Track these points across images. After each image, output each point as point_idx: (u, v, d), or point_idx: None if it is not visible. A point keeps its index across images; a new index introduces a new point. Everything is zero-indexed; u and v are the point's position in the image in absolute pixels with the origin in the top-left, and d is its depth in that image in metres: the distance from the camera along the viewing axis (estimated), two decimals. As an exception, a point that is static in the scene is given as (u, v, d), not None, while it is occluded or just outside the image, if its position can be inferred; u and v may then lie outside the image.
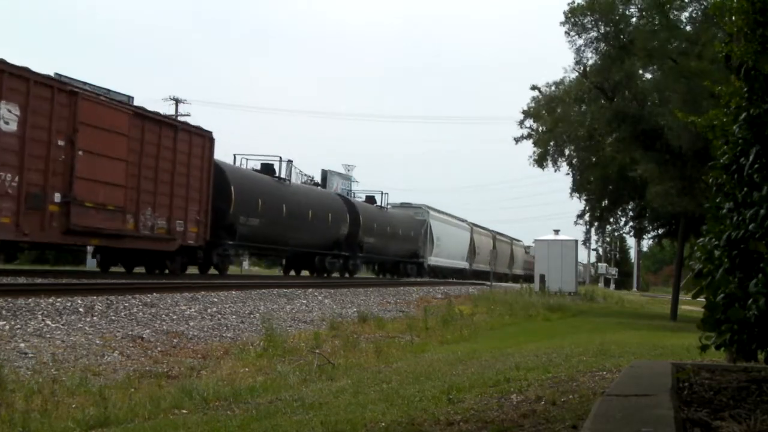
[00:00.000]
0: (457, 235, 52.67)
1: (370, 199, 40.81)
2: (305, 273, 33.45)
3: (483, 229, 60.96)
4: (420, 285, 31.95)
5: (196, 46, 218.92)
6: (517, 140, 29.24)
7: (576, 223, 33.39)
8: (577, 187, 29.96)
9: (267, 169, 29.48)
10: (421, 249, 44.22)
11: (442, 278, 45.99)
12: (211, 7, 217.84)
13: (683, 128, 18.39)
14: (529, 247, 75.87)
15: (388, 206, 42.51)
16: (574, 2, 23.00)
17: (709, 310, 4.05)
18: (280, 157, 30.33)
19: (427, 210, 47.32)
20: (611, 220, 33.04)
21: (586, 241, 73.21)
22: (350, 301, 19.92)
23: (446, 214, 52.00)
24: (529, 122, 29.21)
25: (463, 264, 54.24)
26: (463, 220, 56.13)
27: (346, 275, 34.80)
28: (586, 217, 32.17)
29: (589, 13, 22.84)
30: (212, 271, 24.97)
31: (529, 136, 29.25)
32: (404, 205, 46.70)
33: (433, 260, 46.99)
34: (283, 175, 29.95)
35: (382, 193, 42.09)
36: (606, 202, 30.23)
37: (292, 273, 33.74)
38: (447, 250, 49.67)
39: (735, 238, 4.12)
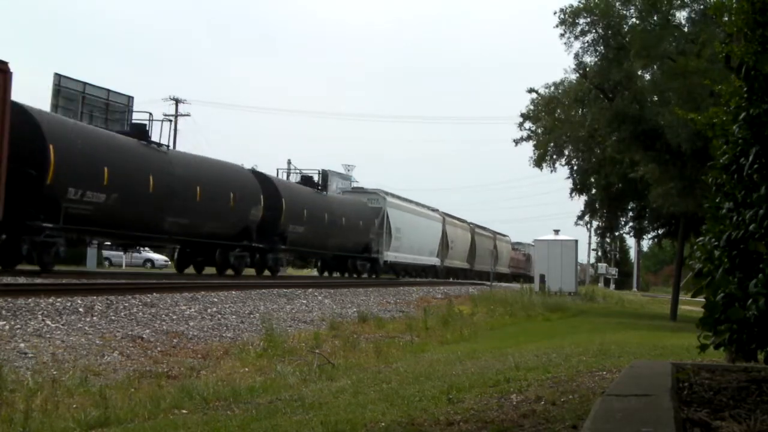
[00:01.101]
0: (424, 226, 44.66)
1: (307, 180, 33.73)
2: (211, 270, 26.12)
3: (459, 220, 53.95)
4: (420, 285, 32.00)
5: (196, 46, 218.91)
6: (516, 142, 29.30)
7: (576, 223, 33.50)
8: (577, 189, 29.97)
9: (137, 130, 21.82)
10: (374, 242, 37.04)
11: (405, 277, 41.21)
12: (212, 7, 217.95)
13: (682, 126, 18.40)
14: (518, 243, 74.40)
15: (339, 191, 36.89)
16: (567, 6, 22.86)
17: (709, 310, 4.05)
18: (150, 114, 23.14)
19: (383, 196, 39.38)
20: (611, 218, 33.02)
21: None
22: (350, 301, 19.95)
23: (410, 201, 44.65)
24: (528, 124, 29.28)
25: (434, 260, 46.99)
26: (434, 210, 48.37)
27: (266, 273, 27.71)
28: (587, 218, 32.20)
29: (585, 15, 22.76)
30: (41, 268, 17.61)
31: (528, 137, 29.29)
32: (356, 190, 40.04)
33: (392, 256, 39.33)
34: (160, 140, 22.56)
35: (319, 173, 34.42)
36: (607, 204, 30.21)
37: (192, 271, 26.08)
38: (410, 243, 41.81)
39: (735, 238, 4.13)
